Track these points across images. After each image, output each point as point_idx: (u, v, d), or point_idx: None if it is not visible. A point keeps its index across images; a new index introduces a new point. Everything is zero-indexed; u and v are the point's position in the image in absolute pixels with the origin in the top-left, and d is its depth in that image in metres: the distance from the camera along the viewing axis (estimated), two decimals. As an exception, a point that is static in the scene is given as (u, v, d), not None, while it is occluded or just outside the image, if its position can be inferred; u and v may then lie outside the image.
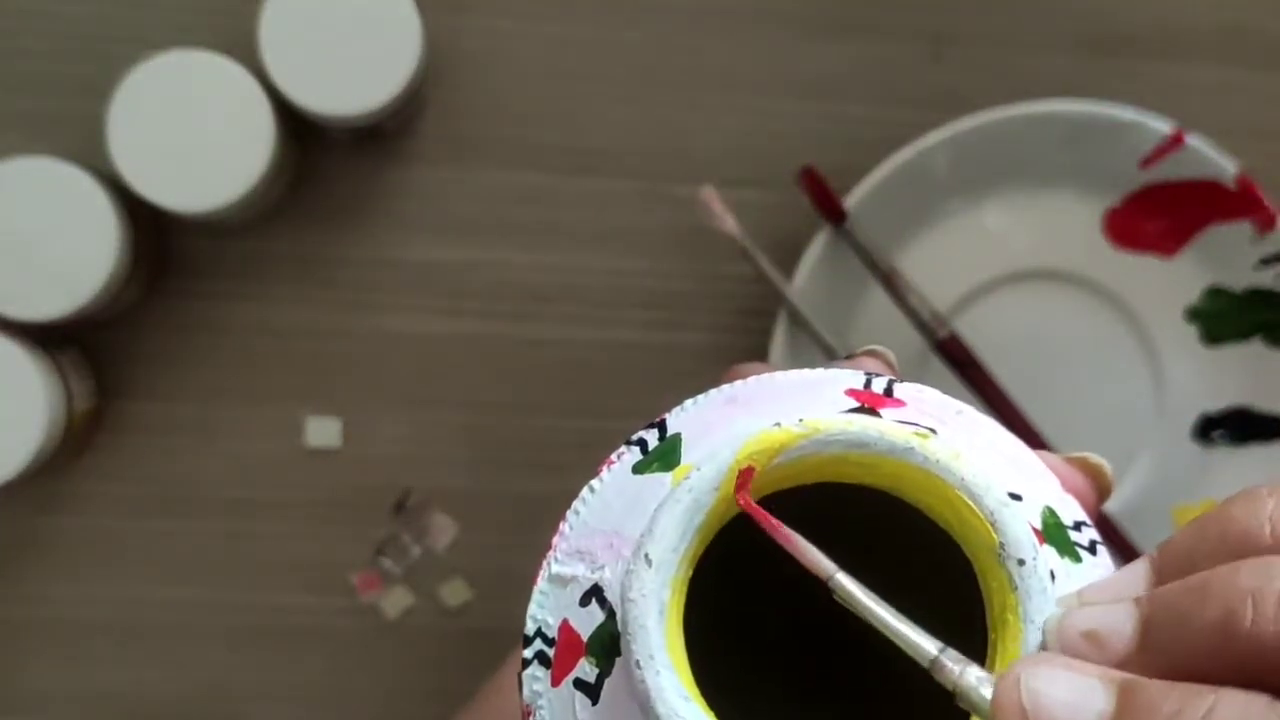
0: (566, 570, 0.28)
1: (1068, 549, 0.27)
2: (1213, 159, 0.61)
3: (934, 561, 0.27)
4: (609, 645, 0.27)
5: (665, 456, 0.28)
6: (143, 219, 0.58)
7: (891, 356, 0.33)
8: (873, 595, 0.24)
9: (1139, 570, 0.26)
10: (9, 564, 0.62)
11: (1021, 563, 0.25)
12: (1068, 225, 0.64)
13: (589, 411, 0.63)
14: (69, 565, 0.62)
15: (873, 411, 0.28)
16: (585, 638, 0.27)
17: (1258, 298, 0.63)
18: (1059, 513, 0.28)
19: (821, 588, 0.25)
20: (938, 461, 0.26)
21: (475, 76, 0.63)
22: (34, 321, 0.56)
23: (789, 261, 0.61)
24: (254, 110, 0.56)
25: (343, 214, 0.63)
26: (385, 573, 0.63)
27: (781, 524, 0.25)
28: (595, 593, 0.27)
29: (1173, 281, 0.64)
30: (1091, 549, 0.28)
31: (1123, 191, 0.63)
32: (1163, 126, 0.61)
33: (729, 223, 0.60)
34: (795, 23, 0.65)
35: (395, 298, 0.63)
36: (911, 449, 0.26)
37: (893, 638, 0.24)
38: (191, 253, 0.63)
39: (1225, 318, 0.64)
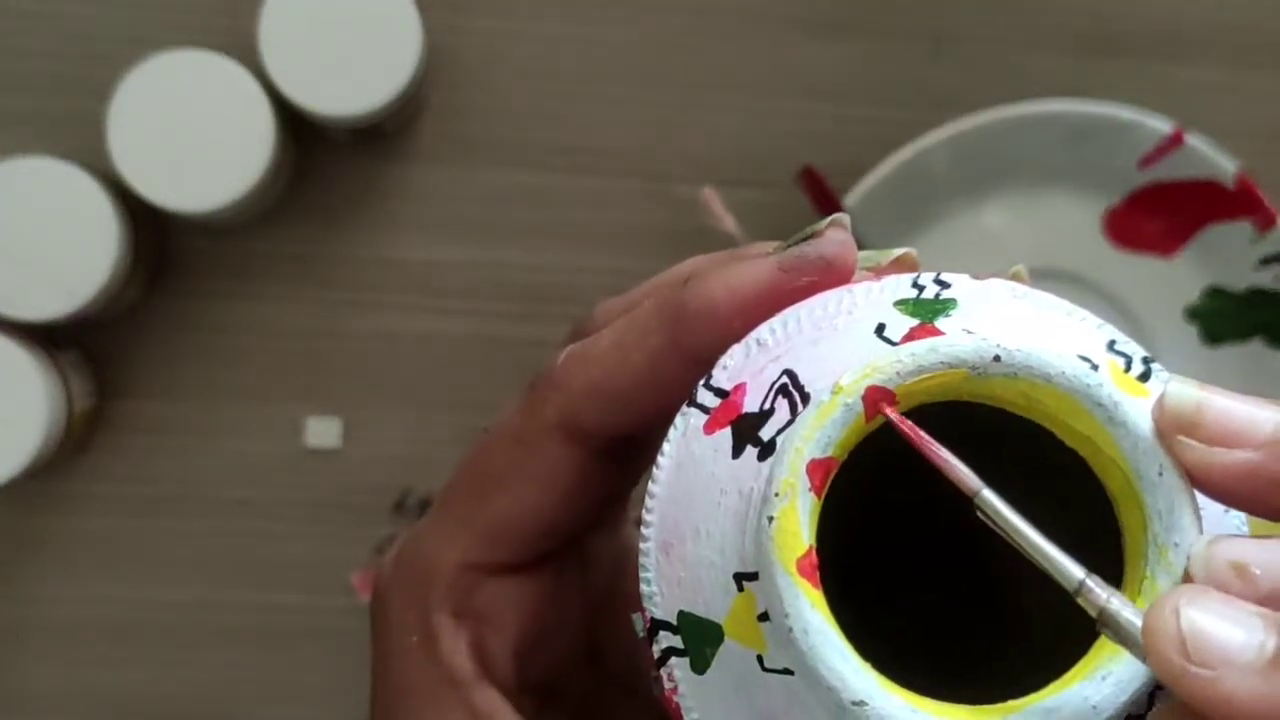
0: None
1: (1134, 388, 0.26)
2: (1212, 159, 0.61)
3: (1039, 461, 0.26)
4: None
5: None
6: (143, 219, 0.58)
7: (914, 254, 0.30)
8: (1018, 515, 0.23)
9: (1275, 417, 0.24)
10: (9, 564, 0.62)
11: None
12: (1068, 225, 0.64)
13: (589, 411, 0.63)
14: (69, 565, 0.62)
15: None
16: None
17: (1258, 298, 0.63)
18: (1121, 346, 0.26)
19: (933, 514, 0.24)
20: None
21: (475, 76, 0.63)
22: (34, 321, 0.56)
23: (789, 261, 0.61)
24: (254, 110, 0.56)
25: (342, 214, 0.63)
26: (385, 573, 0.63)
27: (931, 439, 0.24)
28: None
29: (1172, 281, 0.64)
30: (1146, 370, 0.26)
31: (1122, 191, 0.63)
32: (1163, 126, 0.61)
33: (729, 223, 0.60)
34: (795, 23, 0.65)
35: (395, 298, 0.63)
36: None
37: (1038, 560, 0.23)
38: (191, 253, 0.63)
39: (1225, 318, 0.64)
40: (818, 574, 0.24)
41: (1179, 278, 0.64)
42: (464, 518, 0.31)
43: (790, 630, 0.24)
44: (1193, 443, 0.24)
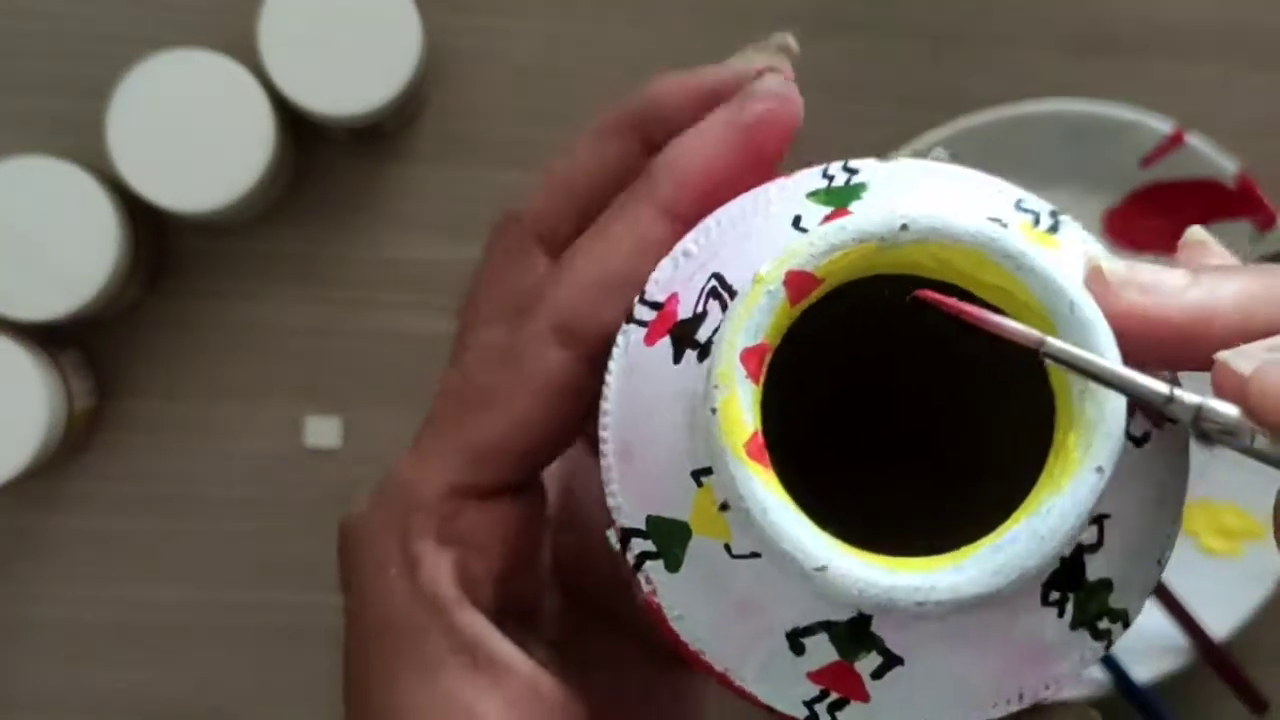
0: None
1: (1045, 240, 0.27)
2: (1213, 158, 0.61)
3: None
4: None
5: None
6: (143, 219, 0.58)
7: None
8: (1084, 351, 0.25)
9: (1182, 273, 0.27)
10: (9, 564, 0.62)
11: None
12: (1068, 225, 0.64)
13: (589, 411, 0.63)
14: (69, 565, 0.62)
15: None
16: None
17: (1257, 297, 0.63)
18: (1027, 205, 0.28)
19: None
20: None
21: (475, 76, 0.63)
22: (34, 321, 0.56)
23: (789, 261, 0.61)
24: (254, 110, 0.56)
25: (343, 213, 0.63)
26: (385, 572, 0.63)
27: (975, 307, 0.25)
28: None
29: (1172, 281, 0.64)
30: (1055, 223, 0.28)
31: (1123, 191, 0.63)
32: (1163, 126, 0.61)
33: (729, 222, 0.60)
34: (795, 21, 0.64)
35: (395, 296, 0.63)
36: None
37: (1121, 386, 0.25)
38: (191, 253, 0.63)
39: (1225, 318, 0.64)
40: (766, 455, 0.25)
41: (1179, 277, 0.64)
42: (449, 440, 0.31)
43: (748, 511, 0.25)
44: (1142, 289, 0.26)
